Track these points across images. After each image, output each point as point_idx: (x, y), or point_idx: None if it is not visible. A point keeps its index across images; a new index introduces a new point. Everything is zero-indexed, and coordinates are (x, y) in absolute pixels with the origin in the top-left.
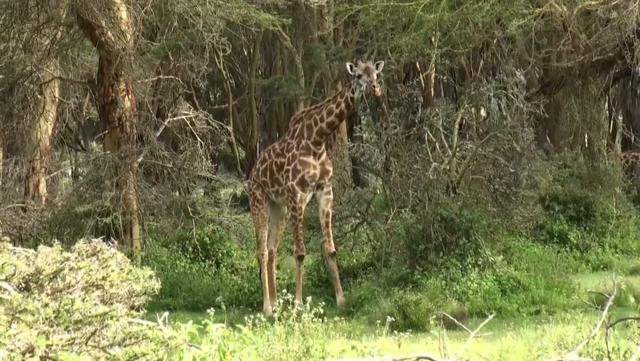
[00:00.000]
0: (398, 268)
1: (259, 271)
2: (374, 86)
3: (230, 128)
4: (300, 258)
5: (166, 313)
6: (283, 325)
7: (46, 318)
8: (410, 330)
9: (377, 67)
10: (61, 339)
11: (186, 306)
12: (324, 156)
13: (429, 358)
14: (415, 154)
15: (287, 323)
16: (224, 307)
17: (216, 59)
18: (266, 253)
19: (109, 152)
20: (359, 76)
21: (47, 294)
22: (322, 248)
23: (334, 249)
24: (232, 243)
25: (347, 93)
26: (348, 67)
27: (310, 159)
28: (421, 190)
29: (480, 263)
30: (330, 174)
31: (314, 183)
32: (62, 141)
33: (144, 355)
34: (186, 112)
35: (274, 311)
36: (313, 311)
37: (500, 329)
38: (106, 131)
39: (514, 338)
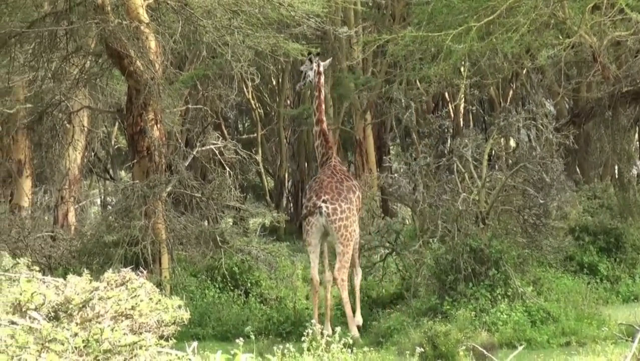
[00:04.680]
0: (427, 298)
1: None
2: None
3: (258, 158)
4: None
5: (195, 343)
6: (312, 355)
7: (75, 348)
8: None
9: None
10: None
11: (215, 336)
12: None
13: None
14: (445, 185)
15: (316, 354)
16: (253, 337)
17: (245, 89)
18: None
19: (137, 181)
20: None
21: (77, 324)
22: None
23: None
24: (261, 273)
25: None
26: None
27: None
28: (450, 221)
29: (509, 293)
30: None
31: None
32: (91, 170)
33: None
34: (215, 142)
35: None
36: (342, 342)
37: (530, 360)
38: (135, 161)
39: None
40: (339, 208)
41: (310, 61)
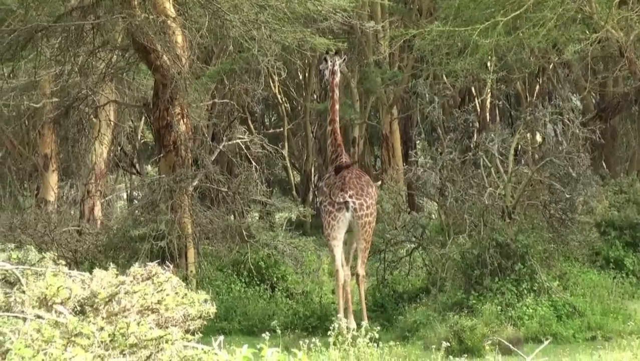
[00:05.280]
0: (453, 293)
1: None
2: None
3: (285, 152)
4: None
5: (221, 337)
6: (338, 349)
7: (101, 342)
8: (466, 355)
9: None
10: None
11: (241, 330)
12: None
13: None
14: (471, 179)
15: (342, 348)
16: (279, 331)
17: (271, 83)
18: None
19: (164, 176)
20: None
21: (103, 318)
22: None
23: None
24: (287, 267)
25: None
26: None
27: None
28: (476, 215)
29: (535, 288)
30: None
31: None
32: (117, 164)
33: None
34: (241, 136)
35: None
36: (368, 336)
37: (556, 355)
38: (161, 155)
39: None
40: (365, 204)
41: (326, 60)
